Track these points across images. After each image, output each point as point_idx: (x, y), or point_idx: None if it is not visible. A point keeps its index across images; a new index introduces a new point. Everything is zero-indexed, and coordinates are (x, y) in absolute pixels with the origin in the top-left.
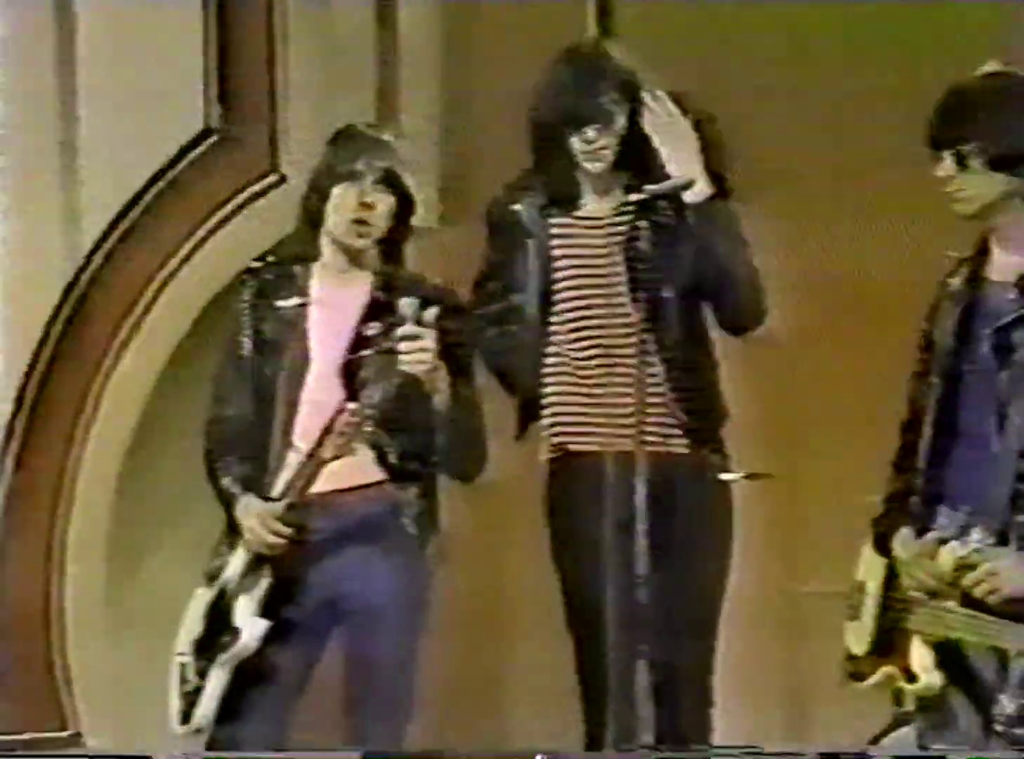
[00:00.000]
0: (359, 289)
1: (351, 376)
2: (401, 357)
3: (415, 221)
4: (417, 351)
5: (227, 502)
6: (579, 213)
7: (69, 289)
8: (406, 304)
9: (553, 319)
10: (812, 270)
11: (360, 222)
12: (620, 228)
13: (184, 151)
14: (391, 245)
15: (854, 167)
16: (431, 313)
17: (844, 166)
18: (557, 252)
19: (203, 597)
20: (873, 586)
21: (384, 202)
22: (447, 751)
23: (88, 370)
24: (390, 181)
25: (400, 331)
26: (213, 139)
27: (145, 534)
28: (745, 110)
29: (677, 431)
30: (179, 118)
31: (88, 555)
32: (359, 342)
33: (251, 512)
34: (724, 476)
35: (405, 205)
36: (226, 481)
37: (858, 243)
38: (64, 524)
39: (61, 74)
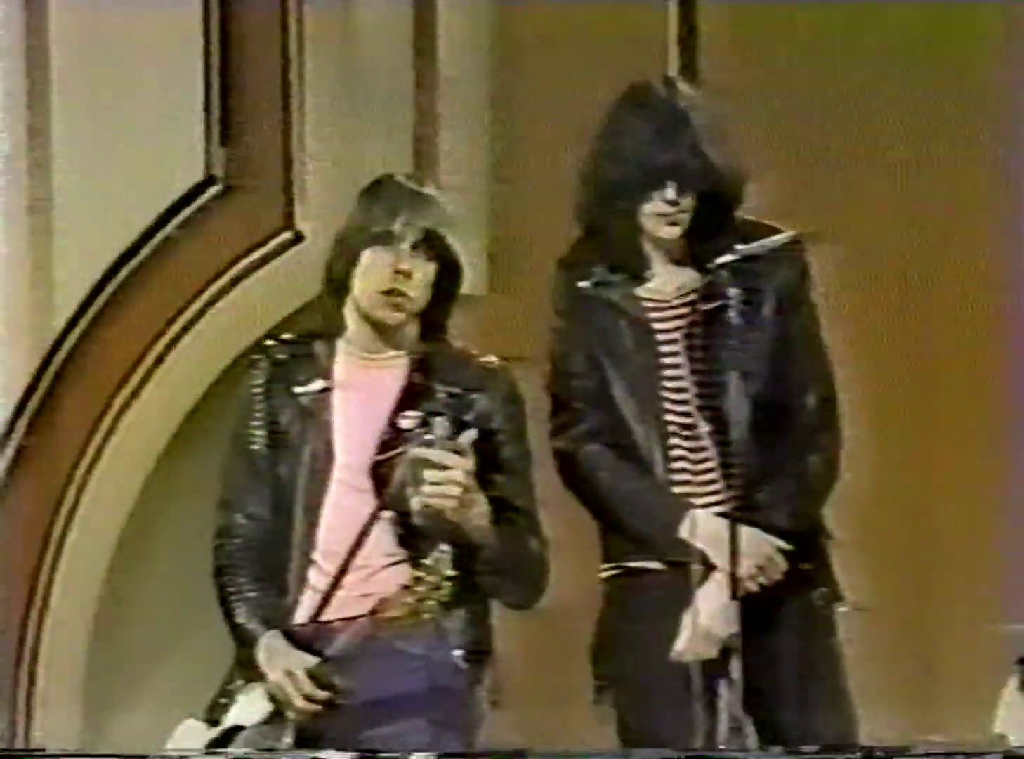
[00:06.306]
0: (393, 371)
1: (383, 477)
2: (423, 488)
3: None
4: (443, 484)
5: (244, 641)
6: (646, 289)
7: (39, 373)
8: (438, 424)
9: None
10: None
11: (394, 293)
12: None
13: (180, 204)
14: (432, 318)
15: None
16: (467, 438)
17: None
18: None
19: (196, 734)
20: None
21: (423, 270)
22: None
23: (59, 474)
24: (432, 244)
25: (421, 451)
26: (215, 190)
27: (127, 672)
28: None
29: None
30: (175, 165)
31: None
32: (393, 436)
33: (279, 664)
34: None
35: (449, 272)
36: (242, 616)
37: None
38: (32, 663)
39: (31, 97)
